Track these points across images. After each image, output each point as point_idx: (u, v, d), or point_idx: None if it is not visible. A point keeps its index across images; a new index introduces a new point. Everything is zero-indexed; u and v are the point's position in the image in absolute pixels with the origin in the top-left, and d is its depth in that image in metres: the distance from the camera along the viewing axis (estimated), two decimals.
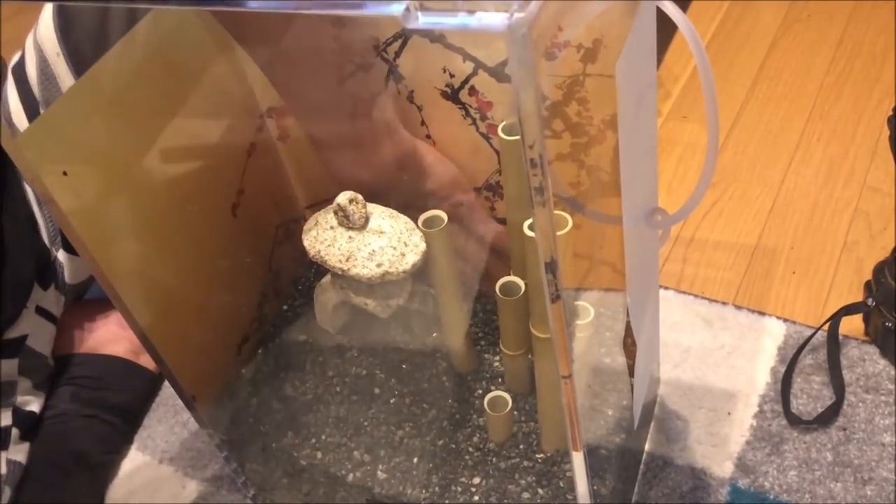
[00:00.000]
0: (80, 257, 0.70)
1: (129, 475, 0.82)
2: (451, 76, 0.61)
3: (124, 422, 0.84)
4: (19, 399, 0.77)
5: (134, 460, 0.83)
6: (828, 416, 0.74)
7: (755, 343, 0.82)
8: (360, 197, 0.59)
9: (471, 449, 0.66)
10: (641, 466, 0.74)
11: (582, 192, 0.63)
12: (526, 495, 0.63)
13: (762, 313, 0.84)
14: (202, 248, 0.67)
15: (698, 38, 0.46)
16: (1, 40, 0.74)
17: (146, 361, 0.86)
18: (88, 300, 0.90)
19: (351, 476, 0.66)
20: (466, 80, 0.61)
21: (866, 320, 0.80)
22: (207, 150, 0.66)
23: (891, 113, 0.76)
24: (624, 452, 0.69)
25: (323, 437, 0.69)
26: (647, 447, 0.75)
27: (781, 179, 0.97)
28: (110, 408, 0.83)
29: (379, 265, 0.58)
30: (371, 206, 0.60)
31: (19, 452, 0.75)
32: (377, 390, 0.70)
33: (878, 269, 0.78)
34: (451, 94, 0.62)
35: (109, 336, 0.86)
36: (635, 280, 0.55)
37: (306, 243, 0.62)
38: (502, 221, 0.71)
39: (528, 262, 0.53)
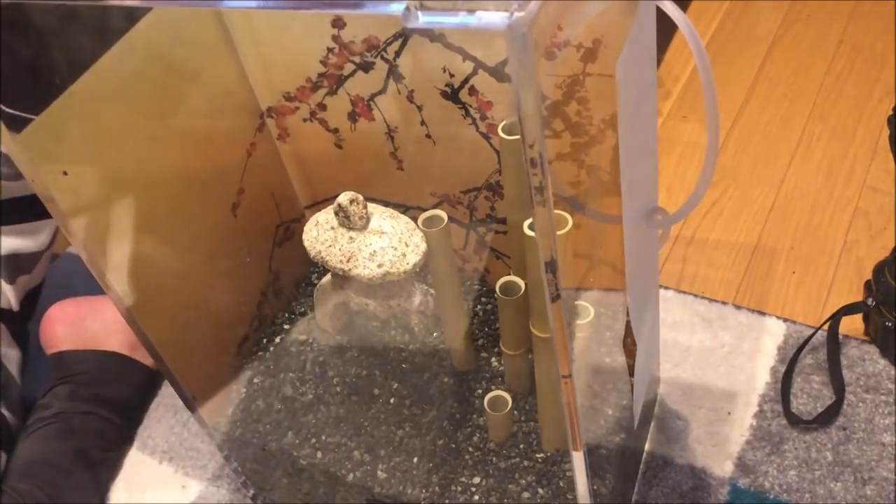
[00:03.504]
0: (10, 285, 0.78)
1: (130, 474, 0.82)
2: (451, 76, 0.61)
3: (122, 418, 0.84)
4: None
5: (134, 460, 0.83)
6: (828, 416, 0.74)
7: (755, 343, 0.82)
8: (360, 197, 0.59)
9: (471, 449, 0.66)
10: (641, 466, 0.74)
11: (582, 192, 0.63)
12: (526, 495, 0.63)
13: (762, 313, 0.84)
14: (202, 247, 0.67)
15: (698, 37, 0.46)
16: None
17: (142, 356, 0.86)
18: (79, 298, 0.90)
19: (351, 476, 0.66)
20: (466, 80, 0.61)
21: (866, 320, 0.80)
22: (207, 150, 0.66)
23: (891, 113, 0.76)
24: (624, 452, 0.69)
25: (323, 437, 0.69)
26: (647, 447, 0.75)
27: (781, 179, 0.97)
28: (108, 404, 0.83)
29: (380, 266, 0.58)
30: (372, 207, 0.60)
31: None
32: (377, 390, 0.70)
33: (878, 269, 0.78)
34: (451, 94, 0.62)
35: (103, 332, 0.86)
36: (635, 280, 0.55)
37: (307, 243, 0.61)
38: (502, 221, 0.71)
39: (528, 261, 0.53)
